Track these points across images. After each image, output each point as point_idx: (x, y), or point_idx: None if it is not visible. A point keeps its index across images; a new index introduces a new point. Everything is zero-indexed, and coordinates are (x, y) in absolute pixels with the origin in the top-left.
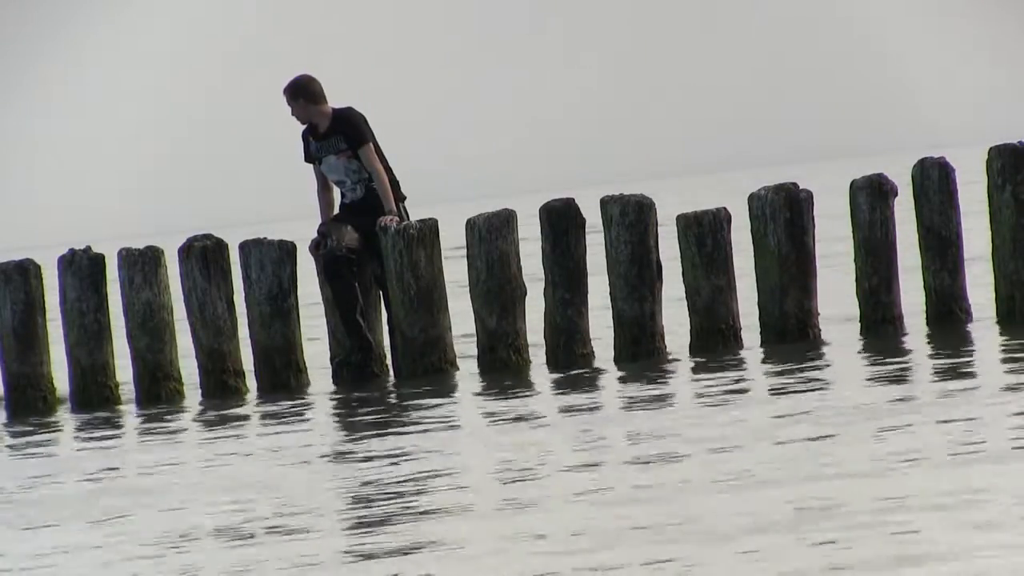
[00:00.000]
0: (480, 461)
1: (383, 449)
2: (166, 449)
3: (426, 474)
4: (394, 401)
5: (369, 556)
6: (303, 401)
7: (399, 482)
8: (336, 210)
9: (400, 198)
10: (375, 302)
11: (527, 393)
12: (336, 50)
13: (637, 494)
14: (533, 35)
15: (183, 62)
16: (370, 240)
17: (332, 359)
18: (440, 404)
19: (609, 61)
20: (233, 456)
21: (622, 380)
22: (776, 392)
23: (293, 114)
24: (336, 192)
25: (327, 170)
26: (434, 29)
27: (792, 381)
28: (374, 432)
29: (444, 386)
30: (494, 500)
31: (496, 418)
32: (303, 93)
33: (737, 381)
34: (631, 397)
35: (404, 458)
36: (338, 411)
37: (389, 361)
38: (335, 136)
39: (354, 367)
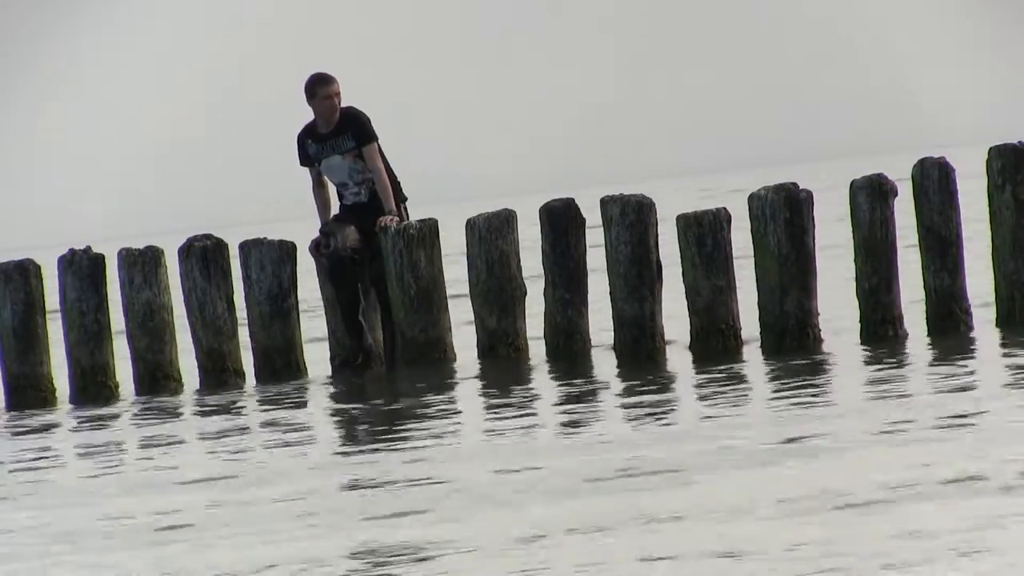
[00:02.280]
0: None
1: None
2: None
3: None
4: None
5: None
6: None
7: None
8: (335, 210)
9: (401, 199)
10: (375, 303)
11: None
12: (334, 52)
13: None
14: (531, 36)
15: (183, 62)
16: (371, 241)
17: (332, 359)
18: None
19: (608, 62)
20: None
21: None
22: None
23: (334, 97)
24: (332, 190)
25: (328, 172)
26: (432, 30)
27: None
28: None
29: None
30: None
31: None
32: (332, 77)
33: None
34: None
35: None
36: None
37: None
38: (342, 135)
39: (355, 368)
